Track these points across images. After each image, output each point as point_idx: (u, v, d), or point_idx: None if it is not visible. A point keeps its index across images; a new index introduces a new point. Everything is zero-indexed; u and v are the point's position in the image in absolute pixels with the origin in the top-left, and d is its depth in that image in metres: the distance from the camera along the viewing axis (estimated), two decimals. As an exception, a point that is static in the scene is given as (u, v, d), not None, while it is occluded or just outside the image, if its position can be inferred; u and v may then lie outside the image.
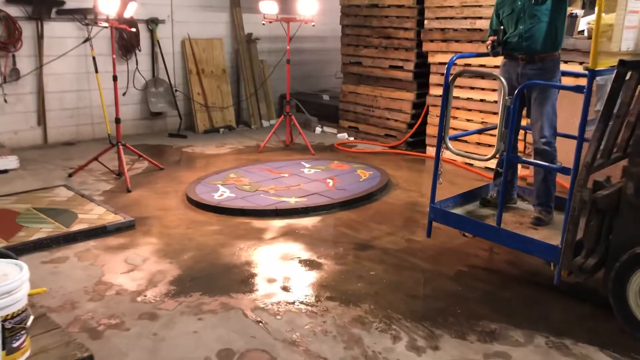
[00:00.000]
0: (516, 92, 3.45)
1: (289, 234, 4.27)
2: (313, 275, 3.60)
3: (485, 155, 3.99)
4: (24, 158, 6.08)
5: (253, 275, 3.58)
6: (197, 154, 6.57)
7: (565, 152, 3.96)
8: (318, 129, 8.03)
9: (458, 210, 4.15)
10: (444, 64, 6.46)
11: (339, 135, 7.73)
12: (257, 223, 4.46)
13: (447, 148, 3.87)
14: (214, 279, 3.52)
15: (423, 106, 6.87)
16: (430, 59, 6.59)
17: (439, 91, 6.55)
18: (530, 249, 3.51)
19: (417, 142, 7.05)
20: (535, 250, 3.49)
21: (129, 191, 5.11)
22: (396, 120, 7.12)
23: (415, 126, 6.92)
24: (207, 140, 7.32)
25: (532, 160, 3.81)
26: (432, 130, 6.69)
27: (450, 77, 3.75)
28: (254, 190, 5.08)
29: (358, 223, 4.52)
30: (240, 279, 3.53)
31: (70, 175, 5.53)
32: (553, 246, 3.36)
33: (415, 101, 6.93)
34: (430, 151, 6.76)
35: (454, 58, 3.78)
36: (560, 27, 3.75)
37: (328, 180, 5.45)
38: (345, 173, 5.74)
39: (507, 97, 3.50)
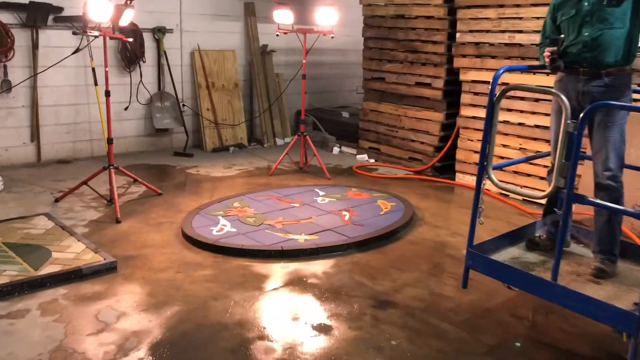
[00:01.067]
0: (583, 115, 2.75)
1: (294, 282, 3.62)
2: (321, 344, 2.93)
3: (539, 192, 3.30)
4: (11, 178, 5.56)
5: (246, 342, 2.93)
6: (201, 177, 5.97)
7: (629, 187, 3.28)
8: (336, 149, 7.39)
9: (500, 256, 3.47)
10: (478, 82, 5.78)
11: (358, 156, 7.08)
12: (259, 267, 3.82)
13: (490, 180, 3.20)
14: (198, 347, 2.88)
15: (452, 128, 6.19)
16: (462, 77, 5.91)
17: (471, 112, 5.87)
18: (596, 314, 2.81)
19: (445, 167, 6.36)
20: (601, 316, 2.79)
21: (118, 222, 4.52)
22: (422, 143, 6.44)
23: (444, 150, 6.24)
24: (215, 160, 6.72)
25: (600, 202, 3.08)
26: (462, 155, 6.00)
27: (496, 96, 3.08)
28: (258, 225, 4.44)
29: (377, 270, 3.85)
30: (230, 348, 2.88)
31: (57, 200, 4.96)
32: (626, 312, 2.66)
33: (444, 122, 6.25)
34: (460, 178, 6.06)
35: (502, 71, 3.09)
36: (635, 36, 3.06)
37: (344, 213, 4.79)
38: (364, 204, 5.07)
39: (569, 121, 2.82)
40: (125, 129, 6.77)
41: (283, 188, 5.50)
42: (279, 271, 3.78)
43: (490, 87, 3.09)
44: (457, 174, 6.10)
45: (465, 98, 5.93)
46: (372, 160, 6.94)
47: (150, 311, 3.20)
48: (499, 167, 3.37)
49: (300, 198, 5.15)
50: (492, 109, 3.10)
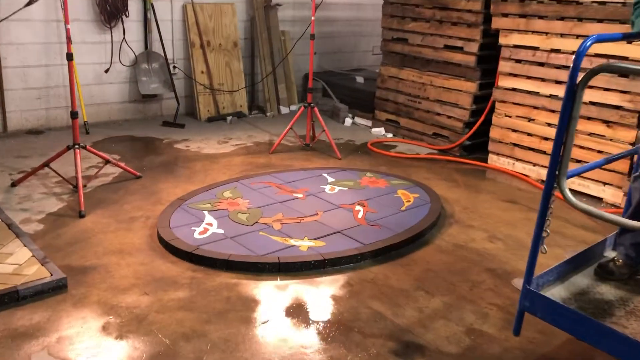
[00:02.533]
0: None
1: (293, 311, 2.80)
2: (323, 421, 2.14)
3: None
4: (-33, 154, 4.74)
5: (222, 416, 2.14)
6: (191, 155, 5.12)
7: None
8: (348, 120, 6.48)
9: (563, 290, 2.60)
10: (521, 47, 4.81)
11: (373, 130, 6.18)
12: (249, 286, 3.00)
13: (563, 194, 2.32)
14: (156, 422, 2.09)
15: (487, 100, 5.26)
16: (502, 40, 4.94)
17: (510, 83, 4.93)
18: None
19: (476, 145, 5.46)
20: None
21: (81, 216, 3.70)
22: (450, 117, 5.51)
23: (476, 126, 5.32)
24: (210, 131, 5.85)
25: None
26: (498, 133, 5.09)
27: (580, 78, 2.16)
28: (251, 224, 3.61)
29: (398, 292, 3.02)
30: None
31: (14, 184, 4.15)
32: None
33: (477, 93, 5.30)
34: (494, 160, 5.16)
35: (590, 42, 2.15)
36: None
37: (357, 208, 3.94)
38: (381, 194, 4.21)
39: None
40: (107, 94, 5.89)
41: (285, 172, 4.63)
42: (273, 293, 2.96)
43: (572, 65, 2.16)
44: (490, 155, 5.20)
45: (504, 66, 4.97)
46: (390, 135, 6.04)
47: (100, 358, 2.40)
48: (573, 175, 2.48)
49: (304, 186, 4.30)
50: (572, 96, 2.18)
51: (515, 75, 4.90)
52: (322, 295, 2.95)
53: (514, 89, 4.92)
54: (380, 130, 6.11)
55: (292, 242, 3.38)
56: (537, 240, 2.35)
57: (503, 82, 5.00)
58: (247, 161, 4.99)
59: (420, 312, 2.85)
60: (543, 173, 4.78)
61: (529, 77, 4.80)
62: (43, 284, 2.83)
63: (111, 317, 2.68)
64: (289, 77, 6.94)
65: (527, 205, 4.30)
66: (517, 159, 4.99)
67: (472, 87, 5.30)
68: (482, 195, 4.54)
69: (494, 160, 5.17)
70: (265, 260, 3.15)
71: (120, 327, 2.60)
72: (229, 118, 6.27)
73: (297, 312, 2.80)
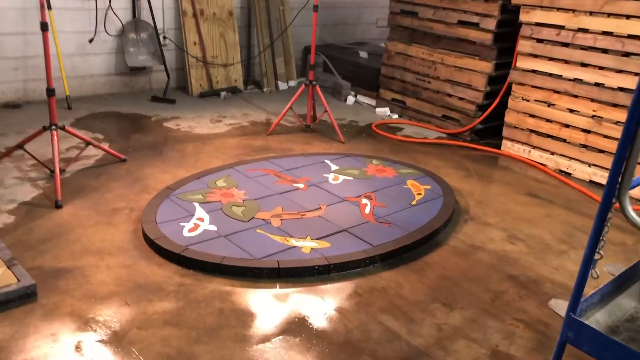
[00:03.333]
0: None
1: (294, 328, 2.46)
2: None
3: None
4: None
5: None
6: (181, 135, 4.72)
7: None
8: (350, 99, 6.07)
9: (607, 315, 2.27)
10: (544, 25, 4.40)
11: (378, 110, 5.78)
12: (244, 295, 2.66)
13: (623, 211, 1.96)
14: None
15: (503, 82, 4.87)
16: (523, 17, 4.52)
17: (530, 64, 4.53)
18: None
19: (488, 130, 5.10)
20: None
21: (58, 206, 3.33)
22: (461, 99, 5.12)
23: (489, 109, 4.94)
24: (202, 108, 5.44)
25: None
26: (513, 118, 4.71)
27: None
28: (248, 219, 3.24)
29: (413, 304, 2.68)
30: None
31: (-16, 167, 3.76)
32: None
33: (493, 74, 4.91)
34: (508, 147, 4.80)
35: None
36: None
37: (364, 201, 3.58)
38: (389, 185, 3.85)
39: None
40: (91, 65, 5.45)
41: (284, 157, 4.25)
42: (272, 305, 2.61)
43: None
44: (504, 141, 4.84)
45: (524, 45, 4.56)
46: (395, 116, 5.65)
47: (69, 389, 2.06)
48: (636, 186, 2.11)
49: (305, 175, 3.92)
50: None
51: (535, 56, 4.49)
52: (327, 308, 2.61)
53: (533, 71, 4.53)
54: (385, 111, 5.71)
55: (294, 242, 3.03)
56: (588, 263, 1.99)
57: (522, 63, 4.60)
58: (242, 143, 4.61)
59: (439, 330, 2.52)
60: (561, 162, 4.44)
61: (551, 59, 4.40)
62: (8, 292, 2.46)
63: (86, 333, 2.33)
64: (287, 51, 6.50)
65: (547, 199, 3.96)
66: (534, 147, 4.63)
67: (487, 67, 4.89)
68: (497, 186, 4.19)
69: (507, 146, 4.80)
70: (263, 265, 2.80)
71: (95, 348, 2.25)
72: (223, 93, 5.85)
73: (300, 329, 2.46)
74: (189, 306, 2.54)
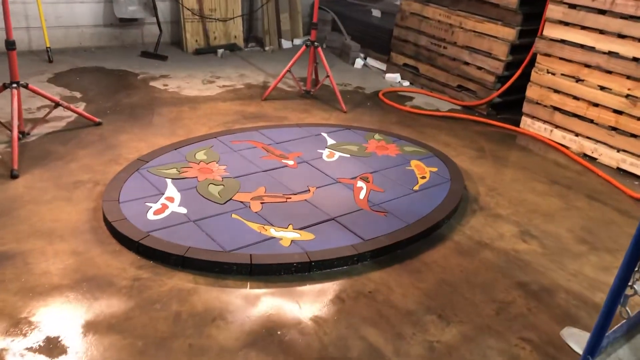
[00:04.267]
0: None
1: (258, 342, 2.09)
2: None
3: None
4: None
5: None
6: (167, 96, 4.30)
7: None
8: (359, 62, 5.58)
9: (631, 352, 1.88)
10: (580, -12, 3.86)
11: (387, 75, 5.30)
12: (207, 296, 2.29)
13: None
14: None
15: (527, 51, 4.35)
16: (555, -23, 3.98)
17: (559, 33, 4.01)
18: None
19: (507, 104, 4.62)
20: None
21: (13, 176, 2.96)
22: (480, 68, 4.62)
23: (510, 81, 4.45)
24: (196, 67, 5.01)
25: None
26: (536, 93, 4.23)
27: None
28: (224, 201, 2.85)
29: (403, 314, 2.30)
30: None
31: (-59, 127, 3.39)
32: None
33: (516, 42, 4.39)
34: (528, 125, 4.33)
35: None
36: None
37: (359, 184, 3.17)
38: (391, 166, 3.43)
39: None
40: (77, 15, 5.01)
41: (276, 128, 3.83)
42: (238, 309, 2.24)
43: None
44: (523, 118, 4.36)
45: (553, 11, 4.03)
46: (406, 84, 5.17)
47: (-22, 413, 1.72)
48: None
49: (297, 149, 3.51)
50: None
51: (566, 24, 3.97)
52: (302, 316, 2.24)
53: (562, 41, 4.01)
54: (396, 77, 5.23)
55: (273, 232, 2.64)
56: (616, 299, 1.57)
57: (550, 31, 4.08)
58: (233, 109, 4.18)
59: (431, 350, 2.14)
60: (587, 146, 3.97)
61: (583, 27, 3.88)
62: None
63: (13, 339, 1.98)
64: (294, 5, 5.98)
65: (567, 187, 3.52)
66: (557, 126, 4.16)
67: (510, 34, 4.37)
68: (512, 170, 3.75)
69: (527, 124, 4.33)
70: (233, 260, 2.42)
71: (21, 359, 1.91)
72: (220, 51, 5.39)
73: (266, 343, 2.09)
74: (140, 308, 2.18)
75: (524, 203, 3.29)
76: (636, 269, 1.50)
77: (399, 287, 2.46)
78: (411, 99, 4.84)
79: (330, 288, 2.41)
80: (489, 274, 2.63)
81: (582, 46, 3.91)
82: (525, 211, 3.20)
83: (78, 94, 4.12)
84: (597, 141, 3.92)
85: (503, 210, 3.18)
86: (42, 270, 2.33)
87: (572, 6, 3.91)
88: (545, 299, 2.50)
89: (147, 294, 2.26)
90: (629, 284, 1.51)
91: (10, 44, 3.11)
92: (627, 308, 1.58)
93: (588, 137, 3.98)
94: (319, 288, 2.41)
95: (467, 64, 4.70)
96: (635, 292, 1.54)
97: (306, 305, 2.30)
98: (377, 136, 3.83)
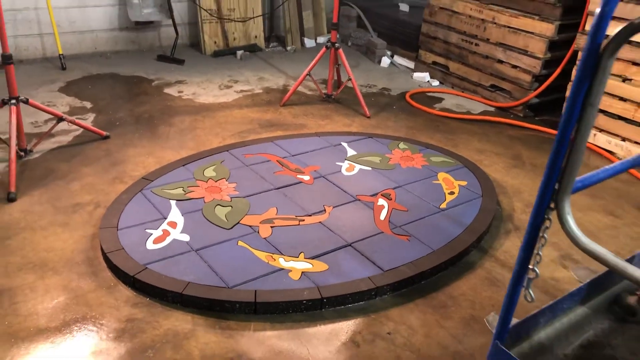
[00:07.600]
0: None
1: (262, 397, 1.86)
2: None
3: None
4: None
5: None
6: (182, 104, 4.10)
7: None
8: (385, 60, 5.28)
9: (556, 337, 1.74)
10: (627, -23, 3.47)
11: (415, 75, 4.98)
12: (204, 340, 2.06)
13: (561, 221, 1.49)
14: None
15: (567, 48, 3.98)
16: (600, -34, 3.59)
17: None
18: None
19: (545, 105, 4.26)
20: None
21: (10, 199, 2.79)
22: (515, 67, 4.27)
23: (549, 81, 4.09)
24: (213, 70, 4.79)
25: None
26: (578, 94, 3.84)
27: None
28: (231, 226, 2.62)
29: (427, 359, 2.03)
30: None
31: (-56, 144, 3.25)
32: None
33: (555, 38, 4.02)
34: (569, 130, 3.95)
35: None
36: None
37: (380, 202, 2.89)
38: (416, 180, 3.14)
39: None
40: (91, 19, 4.84)
41: (293, 138, 3.58)
42: (241, 357, 2.01)
43: (597, 17, 1.05)
44: (564, 120, 3.99)
45: (598, 4, 3.65)
46: (436, 84, 4.85)
47: None
48: (580, 189, 1.43)
49: (314, 162, 3.25)
50: (592, 69, 1.33)
51: (612, 18, 3.58)
52: (310, 365, 1.99)
53: (606, 36, 3.63)
54: (424, 76, 4.91)
55: (282, 262, 2.40)
56: (518, 283, 1.50)
57: (593, 25, 3.70)
58: (249, 116, 3.95)
59: (456, 408, 1.86)
60: (634, 151, 3.59)
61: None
62: None
63: (-12, 395, 1.80)
64: (317, 2, 5.70)
65: (614, 202, 3.17)
66: (601, 130, 3.79)
67: (548, 29, 4.00)
68: (551, 181, 3.40)
69: (569, 128, 3.96)
70: (235, 298, 2.18)
71: (-8, 421, 1.72)
72: (240, 53, 5.16)
73: (268, 398, 1.85)
74: (131, 355, 1.97)
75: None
76: (536, 251, 1.44)
77: (422, 327, 2.19)
78: (440, 100, 4.52)
79: (343, 329, 2.16)
80: (525, 308, 2.33)
81: (629, 42, 3.52)
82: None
83: (88, 104, 3.95)
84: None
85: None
86: (28, 310, 2.14)
87: (619, -2, 3.53)
88: (590, 341, 2.18)
89: (139, 338, 2.05)
90: (530, 266, 1.47)
91: (6, 58, 2.93)
92: (530, 291, 1.49)
93: (636, 142, 3.61)
94: (331, 329, 2.15)
95: (500, 62, 4.35)
96: (537, 275, 1.47)
97: (315, 350, 2.05)
98: (402, 145, 3.54)
